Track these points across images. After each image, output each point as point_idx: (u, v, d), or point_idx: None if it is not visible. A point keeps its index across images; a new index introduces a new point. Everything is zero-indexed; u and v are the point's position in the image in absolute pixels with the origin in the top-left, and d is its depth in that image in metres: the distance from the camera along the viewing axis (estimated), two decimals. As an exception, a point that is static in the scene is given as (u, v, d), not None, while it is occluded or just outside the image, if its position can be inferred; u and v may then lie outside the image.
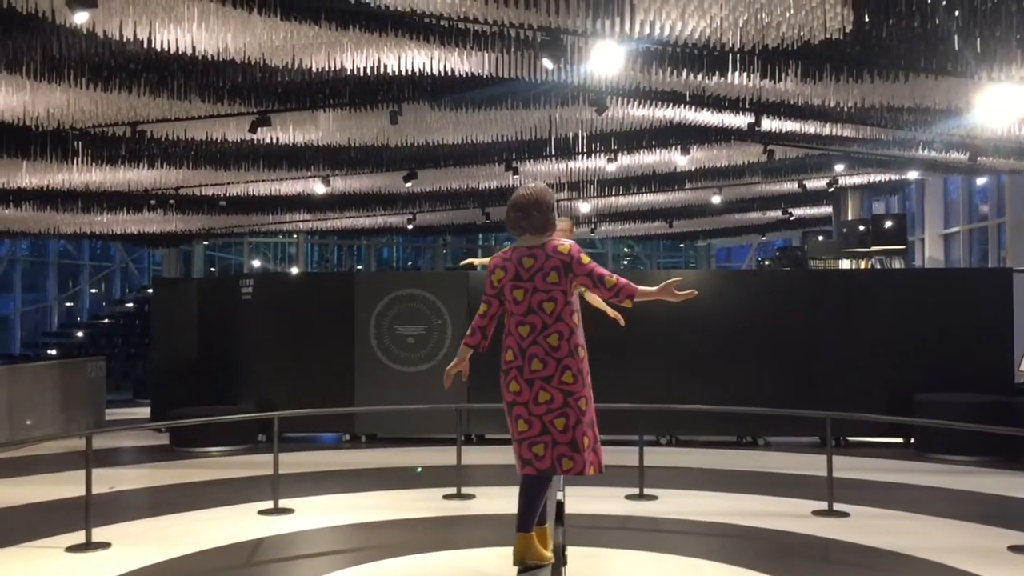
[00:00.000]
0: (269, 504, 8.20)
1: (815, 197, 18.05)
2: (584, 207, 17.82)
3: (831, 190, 16.62)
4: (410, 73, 8.82)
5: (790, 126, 10.88)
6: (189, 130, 10.57)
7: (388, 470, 10.28)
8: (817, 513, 7.85)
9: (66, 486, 8.67)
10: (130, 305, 26.17)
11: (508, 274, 3.99)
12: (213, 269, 25.24)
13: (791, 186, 16.79)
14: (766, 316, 11.95)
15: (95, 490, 7.57)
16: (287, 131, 10.88)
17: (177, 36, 7.56)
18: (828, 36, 5.84)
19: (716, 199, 17.13)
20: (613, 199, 17.25)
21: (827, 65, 6.66)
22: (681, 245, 28.64)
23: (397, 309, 12.38)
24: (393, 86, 9.46)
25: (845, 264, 17.12)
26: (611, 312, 7.19)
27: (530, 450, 3.81)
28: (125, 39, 7.48)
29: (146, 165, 11.99)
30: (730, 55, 6.70)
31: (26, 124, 9.69)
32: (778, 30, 5.86)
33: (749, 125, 9.90)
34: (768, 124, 10.53)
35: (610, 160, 13.26)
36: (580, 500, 8.20)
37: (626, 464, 8.56)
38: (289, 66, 8.49)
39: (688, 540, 7.11)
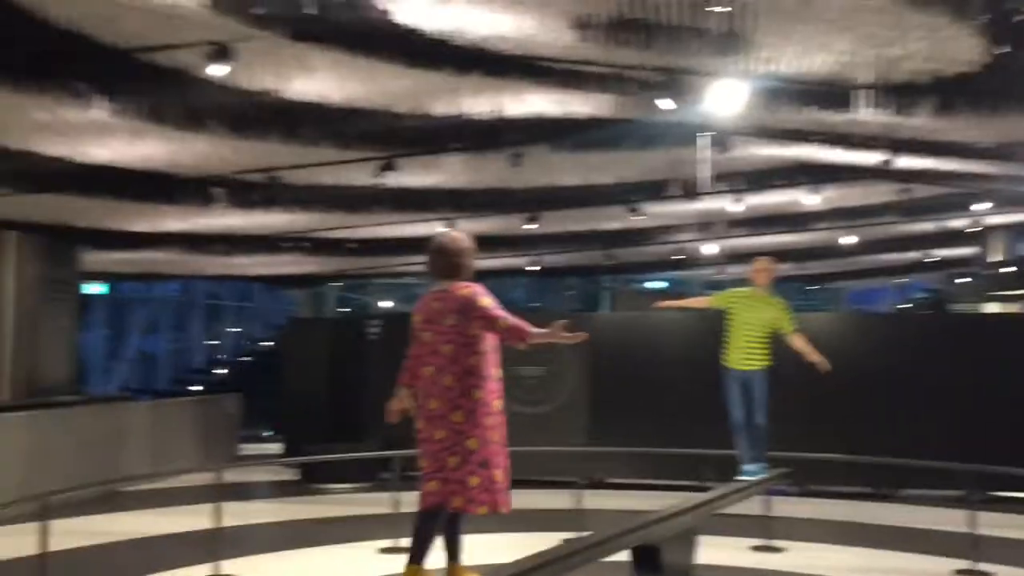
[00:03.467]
0: (390, 543, 8.27)
1: (957, 238, 17.21)
2: (710, 249, 17.51)
3: (974, 230, 15.82)
4: (530, 116, 8.93)
5: (926, 163, 10.44)
6: (320, 175, 10.95)
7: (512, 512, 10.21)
8: (961, 573, 7.36)
9: (199, 518, 8.97)
10: (269, 343, 27.18)
11: (421, 317, 4.18)
12: (347, 309, 25.97)
13: (930, 226, 16.08)
14: (904, 362, 11.40)
15: (227, 523, 7.84)
16: (412, 175, 11.13)
17: (307, 85, 7.89)
18: (962, 69, 5.59)
19: (849, 240, 16.54)
20: (739, 240, 16.89)
21: (963, 99, 6.37)
22: (811, 288, 27.75)
23: (517, 350, 12.39)
24: (514, 129, 9.57)
25: (991, 308, 16.21)
26: (812, 356, 6.84)
27: (426, 485, 3.91)
28: (260, 89, 7.85)
29: (280, 210, 12.47)
30: (857, 91, 6.50)
31: (170, 172, 10.24)
32: (909, 63, 5.65)
33: (882, 163, 9.53)
34: (902, 162, 10.13)
35: (736, 200, 13.00)
36: (703, 550, 7.94)
37: (752, 513, 8.25)
38: (413, 112, 8.72)
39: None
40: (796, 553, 8.06)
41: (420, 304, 4.25)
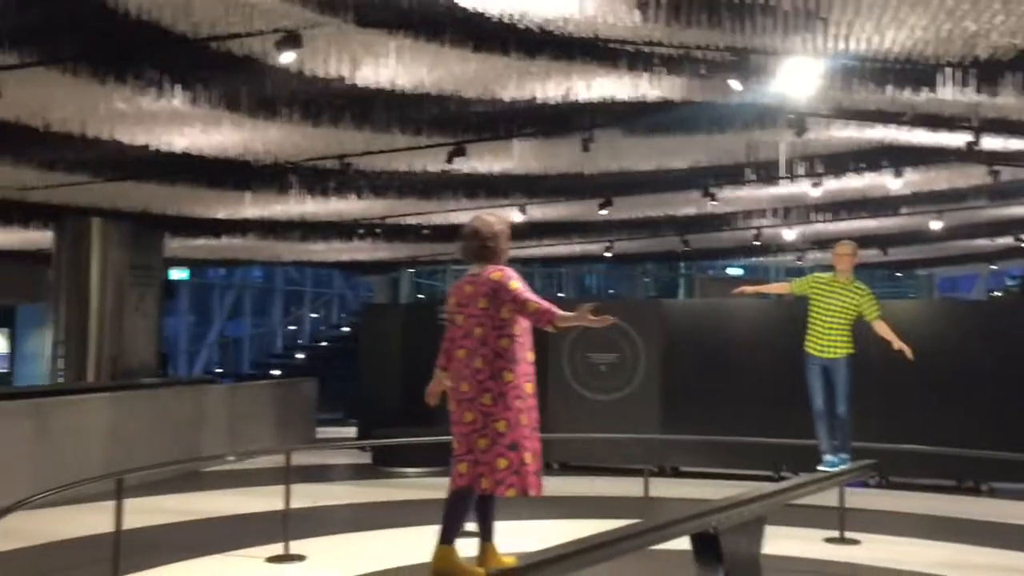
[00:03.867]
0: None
1: (1051, 221, 16.46)
2: (790, 234, 17.10)
3: (1070, 214, 15.11)
4: (601, 100, 8.81)
5: (1016, 144, 9.99)
6: (392, 162, 11.01)
7: (581, 499, 10.19)
8: (1046, 570, 7.08)
9: (273, 498, 9.16)
10: (346, 329, 27.61)
11: (455, 300, 4.19)
12: (421, 296, 26.21)
13: (1021, 210, 15.39)
14: (994, 350, 11.00)
15: (299, 504, 7.99)
16: (483, 161, 11.11)
17: (376, 72, 7.92)
18: (1047, 42, 5.30)
19: (936, 225, 15.95)
20: (821, 226, 16.45)
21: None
22: (899, 274, 26.92)
23: (591, 337, 12.33)
24: (585, 113, 9.46)
25: (1087, 295, 15.48)
26: (896, 344, 6.62)
27: (456, 467, 3.96)
28: (330, 76, 7.91)
29: (354, 196, 12.59)
30: (936, 68, 6.23)
31: (246, 160, 10.42)
32: (987, 38, 5.38)
33: (968, 144, 9.15)
34: (990, 143, 9.71)
35: (815, 185, 12.64)
36: (773, 540, 7.79)
37: (828, 505, 8.05)
38: (482, 97, 8.68)
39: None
40: (872, 546, 7.85)
41: (454, 287, 4.29)
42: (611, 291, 30.64)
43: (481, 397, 3.96)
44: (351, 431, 15.58)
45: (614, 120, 9.69)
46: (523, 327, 4.07)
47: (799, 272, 25.01)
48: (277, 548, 7.31)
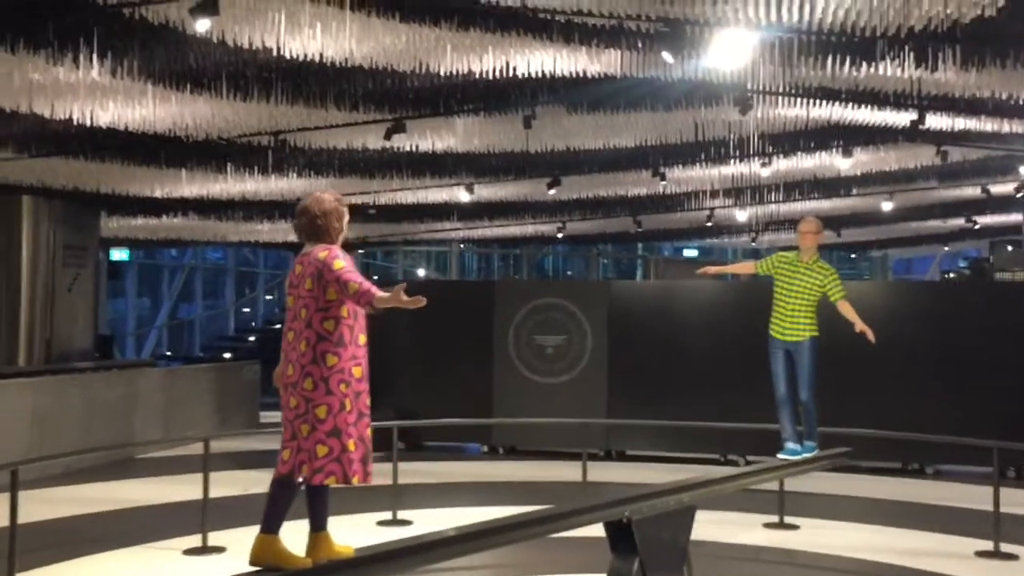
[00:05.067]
0: (389, 515, 8.09)
1: (1003, 203, 16.48)
2: (741, 215, 17.00)
3: (1020, 196, 15.12)
4: (541, 75, 8.56)
5: (963, 124, 9.88)
6: (330, 139, 10.69)
7: (517, 484, 10.00)
8: (981, 554, 6.98)
9: (216, 487, 8.85)
10: (300, 312, 27.20)
11: (288, 281, 4.08)
12: (375, 278, 25.89)
13: (974, 192, 15.39)
14: (943, 332, 10.94)
15: (231, 492, 7.70)
16: (425, 138, 10.83)
17: (303, 43, 7.60)
18: (980, 13, 5.11)
19: (887, 206, 15.92)
20: (773, 207, 16.37)
21: (987, 49, 5.88)
22: (853, 256, 27.03)
23: (536, 319, 12.12)
24: (526, 89, 9.21)
25: (1036, 277, 15.51)
26: (859, 326, 6.42)
27: (281, 454, 3.87)
28: (254, 47, 7.58)
29: (295, 174, 12.25)
30: (873, 41, 6.03)
31: (177, 135, 10.05)
32: (920, 8, 5.19)
33: (912, 123, 9.02)
34: (936, 122, 9.59)
35: (764, 164, 12.51)
36: (711, 526, 7.63)
37: (770, 489, 7.89)
38: (417, 71, 8.40)
39: (824, 578, 6.46)
40: (811, 530, 7.72)
41: (291, 268, 4.12)
42: (569, 272, 30.52)
43: (303, 382, 3.84)
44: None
45: (556, 96, 9.46)
46: (354, 309, 3.90)
47: (755, 253, 25.01)
48: (196, 540, 7.02)
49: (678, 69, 7.52)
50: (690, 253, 24.36)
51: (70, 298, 13.33)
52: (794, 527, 7.81)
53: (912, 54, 6.19)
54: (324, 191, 4.16)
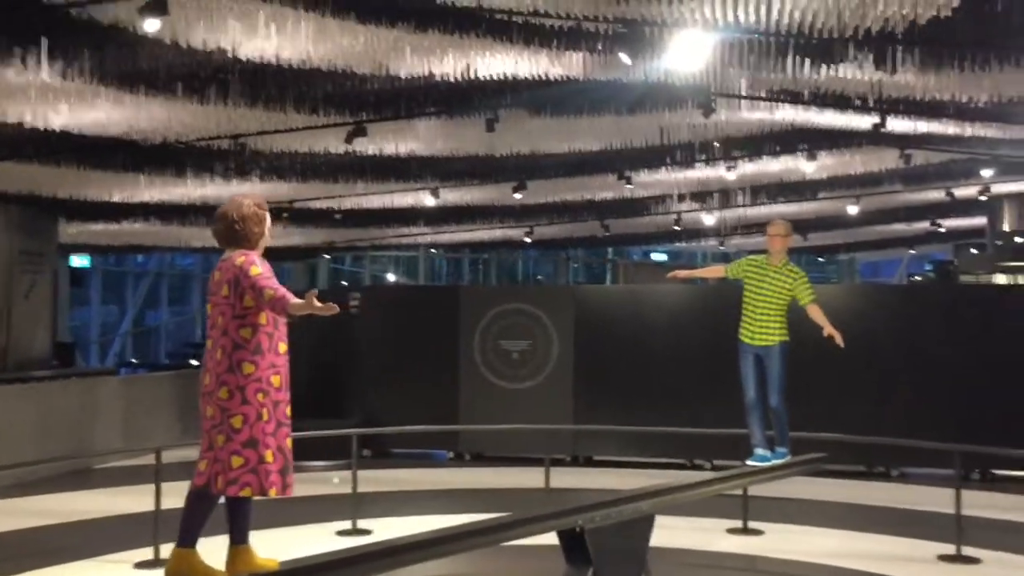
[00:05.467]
0: (349, 524, 7.95)
1: (966, 207, 16.59)
2: (709, 219, 17.01)
3: (983, 199, 15.23)
4: (502, 78, 8.48)
5: (925, 127, 9.90)
6: (291, 142, 10.54)
7: (479, 491, 9.88)
8: (943, 558, 6.97)
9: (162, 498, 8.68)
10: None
11: (209, 289, 4.02)
12: (345, 283, 25.65)
13: (938, 195, 15.48)
14: (908, 335, 10.96)
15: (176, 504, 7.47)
16: (387, 141, 10.70)
17: (258, 44, 7.47)
18: (936, 14, 5.08)
19: (853, 209, 15.99)
20: (741, 211, 16.39)
21: (944, 51, 5.85)
22: (821, 259, 27.15)
23: (502, 324, 12.02)
24: (487, 92, 9.12)
25: (1000, 280, 15.64)
26: (828, 329, 6.33)
27: (198, 465, 3.81)
28: (208, 48, 7.44)
29: (256, 179, 12.07)
30: (831, 43, 5.99)
31: (132, 139, 9.86)
32: (876, 9, 5.15)
33: (874, 126, 9.02)
34: (898, 125, 9.61)
35: (729, 168, 12.49)
36: (674, 532, 7.56)
37: (734, 493, 7.83)
38: (376, 73, 8.29)
39: (786, 584, 6.39)
40: (774, 536, 7.67)
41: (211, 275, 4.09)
42: (539, 277, 30.45)
43: (219, 391, 3.76)
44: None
45: (519, 100, 9.37)
46: (273, 316, 3.84)
47: (724, 257, 25.06)
48: (148, 553, 6.85)
49: (639, 71, 7.46)
50: (659, 257, 24.36)
51: (27, 305, 13.06)
52: (758, 532, 7.77)
53: (871, 55, 6.16)
54: (245, 195, 4.06)
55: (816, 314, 6.35)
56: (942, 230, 19.04)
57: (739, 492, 7.78)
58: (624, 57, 6.32)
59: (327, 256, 21.80)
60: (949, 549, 7.01)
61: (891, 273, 29.38)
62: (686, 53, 6.45)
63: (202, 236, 16.75)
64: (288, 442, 3.85)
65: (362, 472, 10.48)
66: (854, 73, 6.95)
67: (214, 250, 19.37)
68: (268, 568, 3.84)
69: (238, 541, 3.84)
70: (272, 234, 4.12)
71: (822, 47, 6.16)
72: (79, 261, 18.06)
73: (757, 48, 6.64)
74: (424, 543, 4.15)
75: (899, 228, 19.47)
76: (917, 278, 22.30)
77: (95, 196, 12.73)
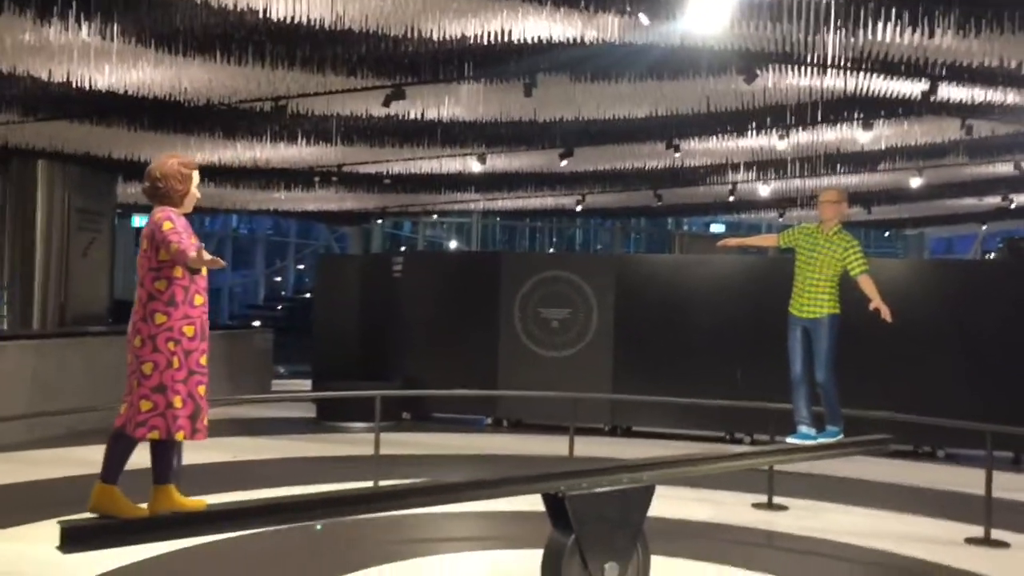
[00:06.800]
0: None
1: (1038, 182, 15.91)
2: (764, 190, 16.63)
3: (1055, 174, 14.57)
4: (537, 41, 8.37)
5: (983, 95, 9.48)
6: (332, 105, 10.58)
7: (500, 457, 9.89)
8: (971, 541, 6.74)
9: (193, 453, 8.88)
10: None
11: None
12: (403, 248, 25.87)
13: (1007, 168, 14.86)
14: (966, 313, 10.59)
15: (221, 459, 7.65)
16: (429, 106, 10.68)
17: (290, 4, 7.49)
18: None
19: (915, 182, 15.45)
20: (797, 181, 15.99)
21: (986, 11, 5.56)
22: (887, 234, 26.38)
23: (543, 292, 11.96)
24: (524, 55, 9.00)
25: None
26: (875, 303, 5.99)
27: (120, 408, 4.03)
28: (239, 8, 7.49)
29: (304, 142, 12.19)
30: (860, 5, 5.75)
31: (176, 99, 10.01)
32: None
33: (923, 94, 8.67)
34: (953, 92, 9.22)
35: (781, 137, 12.17)
36: (701, 505, 7.50)
37: (763, 468, 7.70)
38: (409, 35, 8.25)
39: (799, 561, 6.26)
40: (798, 512, 7.52)
41: None
42: (599, 246, 30.26)
43: (134, 339, 3.99)
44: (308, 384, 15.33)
45: (556, 63, 9.23)
46: (175, 270, 4.05)
47: (785, 228, 24.47)
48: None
49: (675, 35, 7.28)
50: (717, 228, 23.97)
51: (85, 263, 13.46)
52: (783, 508, 7.62)
53: (907, 14, 5.89)
54: (172, 154, 4.27)
55: (867, 285, 6.02)
56: (1013, 205, 18.30)
57: (765, 468, 7.65)
58: (643, 17, 6.16)
59: (379, 221, 21.92)
60: (978, 532, 6.78)
61: (965, 249, 28.41)
62: (716, 15, 6.25)
63: (255, 198, 17.04)
64: (201, 389, 4.03)
65: (394, 435, 10.63)
66: (893, 37, 6.67)
67: (267, 213, 19.64)
68: (190, 507, 4.04)
69: (158, 480, 4.04)
70: (199, 192, 4.29)
71: (848, 8, 5.91)
72: (140, 221, 18.51)
73: (795, 8, 6.41)
74: (382, 496, 4.26)
75: (968, 203, 18.77)
76: (992, 255, 21.53)
77: (149, 156, 13.00)
